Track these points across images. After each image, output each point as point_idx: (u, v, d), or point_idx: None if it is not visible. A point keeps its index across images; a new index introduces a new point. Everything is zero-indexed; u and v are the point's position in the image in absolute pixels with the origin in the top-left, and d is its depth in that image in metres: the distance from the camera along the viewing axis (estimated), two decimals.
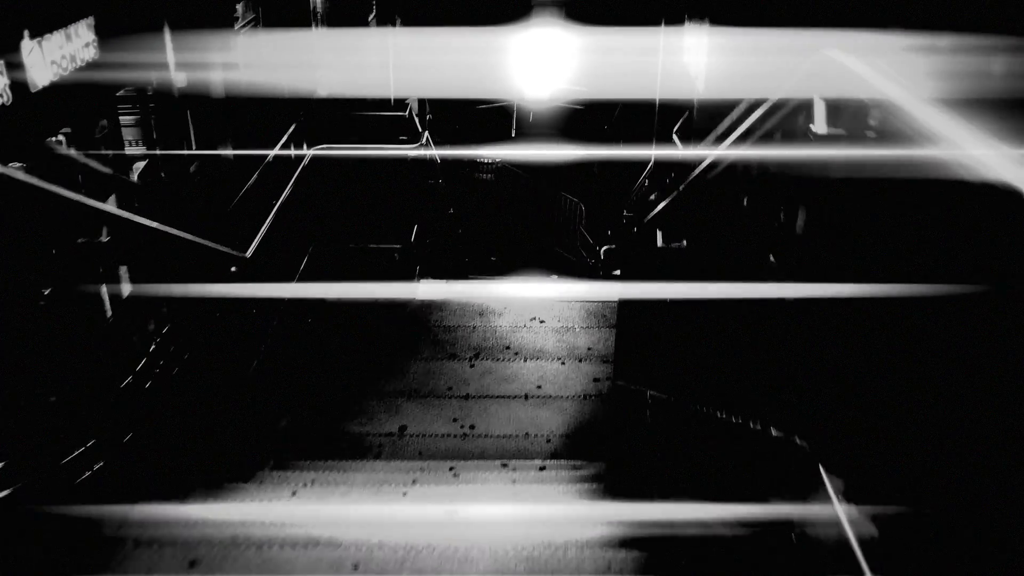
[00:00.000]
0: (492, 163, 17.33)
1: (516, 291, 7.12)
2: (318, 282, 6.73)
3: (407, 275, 6.86)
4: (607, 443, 5.14)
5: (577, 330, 6.44)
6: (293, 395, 5.59)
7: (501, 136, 14.86)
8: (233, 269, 4.52)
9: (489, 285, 7.32)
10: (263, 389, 5.24)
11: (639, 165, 12.01)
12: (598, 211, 15.82)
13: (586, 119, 14.19)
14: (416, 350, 6.18)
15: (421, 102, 9.07)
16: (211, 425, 4.43)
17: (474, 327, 6.49)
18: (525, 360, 6.07)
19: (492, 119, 14.61)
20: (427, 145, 6.85)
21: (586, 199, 15.35)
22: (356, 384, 5.77)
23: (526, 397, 5.68)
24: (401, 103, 6.49)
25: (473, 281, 7.52)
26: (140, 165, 5.64)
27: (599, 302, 6.83)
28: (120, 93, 6.53)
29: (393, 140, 6.35)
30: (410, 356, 6.09)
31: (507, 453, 5.10)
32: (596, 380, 5.86)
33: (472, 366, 6.01)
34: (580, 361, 6.07)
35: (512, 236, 17.00)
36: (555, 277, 13.77)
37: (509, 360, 6.07)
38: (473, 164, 17.32)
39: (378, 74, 6.98)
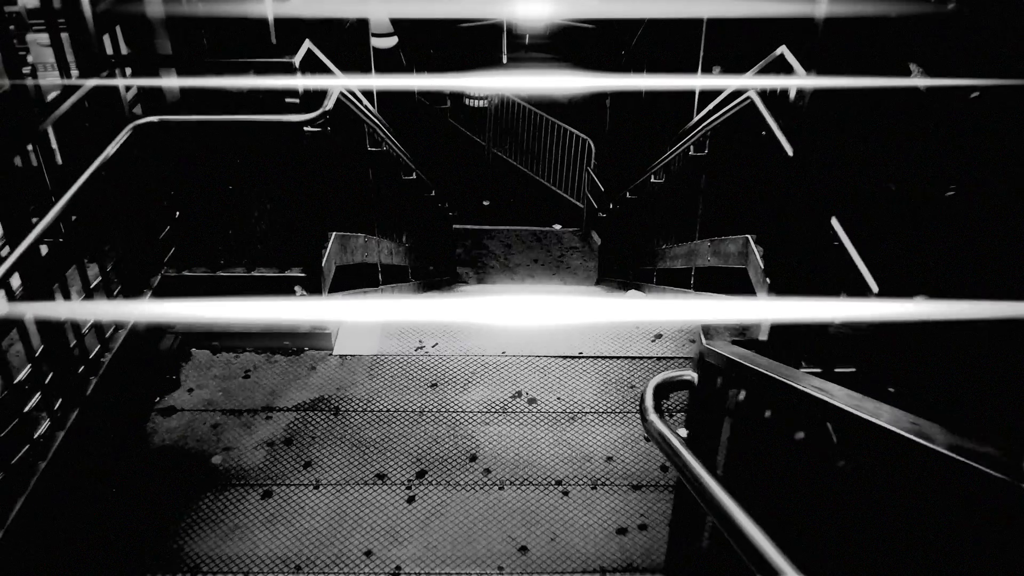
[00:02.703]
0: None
1: (490, 326, 4.60)
2: (165, 327, 4.22)
3: (315, 312, 4.30)
4: None
5: (588, 417, 3.94)
6: None
7: (489, 62, 11.99)
8: None
9: (449, 315, 4.77)
10: None
11: (672, 100, 9.22)
12: (609, 151, 13.11)
13: (597, 41, 11.29)
14: (319, 463, 3.70)
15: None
16: None
17: (421, 411, 3.99)
18: (502, 486, 3.59)
19: (478, 41, 11.72)
20: (344, 104, 4.20)
21: (596, 137, 12.61)
22: (208, 547, 3.32)
23: (500, 570, 3.23)
24: (291, 42, 3.83)
25: (422, 310, 4.94)
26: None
27: (626, 359, 4.29)
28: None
29: (276, 105, 3.73)
30: (308, 478, 3.62)
31: None
32: (623, 532, 3.39)
33: (411, 500, 3.53)
34: (595, 487, 3.58)
35: (509, 176, 14.31)
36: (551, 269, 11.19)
37: (475, 485, 3.59)
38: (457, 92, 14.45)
39: None
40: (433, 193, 8.46)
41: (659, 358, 4.26)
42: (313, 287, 4.18)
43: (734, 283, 5.21)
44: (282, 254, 4.23)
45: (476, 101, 14.92)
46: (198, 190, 4.05)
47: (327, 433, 3.86)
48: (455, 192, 12.53)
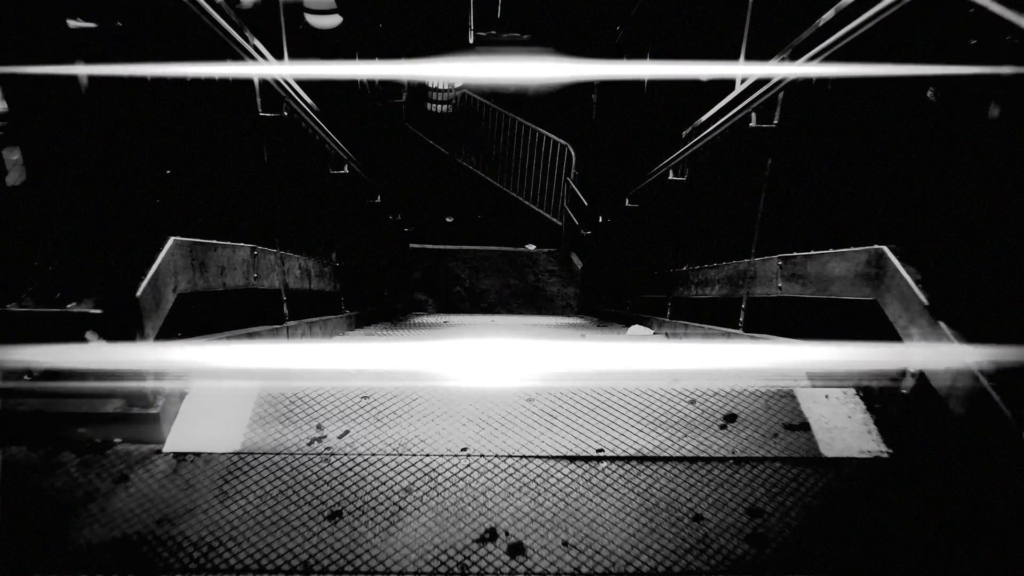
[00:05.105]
0: (449, 89, 12.72)
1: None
2: None
3: (126, 374, 2.43)
4: None
5: None
6: None
7: (453, 45, 10.22)
8: None
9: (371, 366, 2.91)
10: None
11: (688, 93, 7.45)
12: (594, 158, 11.40)
13: (586, 19, 9.58)
14: None
15: None
16: None
17: (307, 572, 2.11)
18: None
19: (439, 15, 9.95)
20: None
21: (578, 142, 10.88)
22: None
23: None
24: None
25: (328, 365, 3.04)
26: None
27: (680, 462, 2.47)
28: None
29: None
30: None
31: None
32: None
33: None
34: None
35: (476, 190, 12.53)
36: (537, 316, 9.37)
37: None
38: (421, 89, 12.66)
39: None
40: (379, 199, 6.61)
41: (739, 459, 2.44)
42: (120, 331, 2.31)
43: (807, 323, 3.45)
44: (68, 276, 2.35)
45: (439, 106, 13.17)
46: None
47: None
48: (413, 206, 10.74)
